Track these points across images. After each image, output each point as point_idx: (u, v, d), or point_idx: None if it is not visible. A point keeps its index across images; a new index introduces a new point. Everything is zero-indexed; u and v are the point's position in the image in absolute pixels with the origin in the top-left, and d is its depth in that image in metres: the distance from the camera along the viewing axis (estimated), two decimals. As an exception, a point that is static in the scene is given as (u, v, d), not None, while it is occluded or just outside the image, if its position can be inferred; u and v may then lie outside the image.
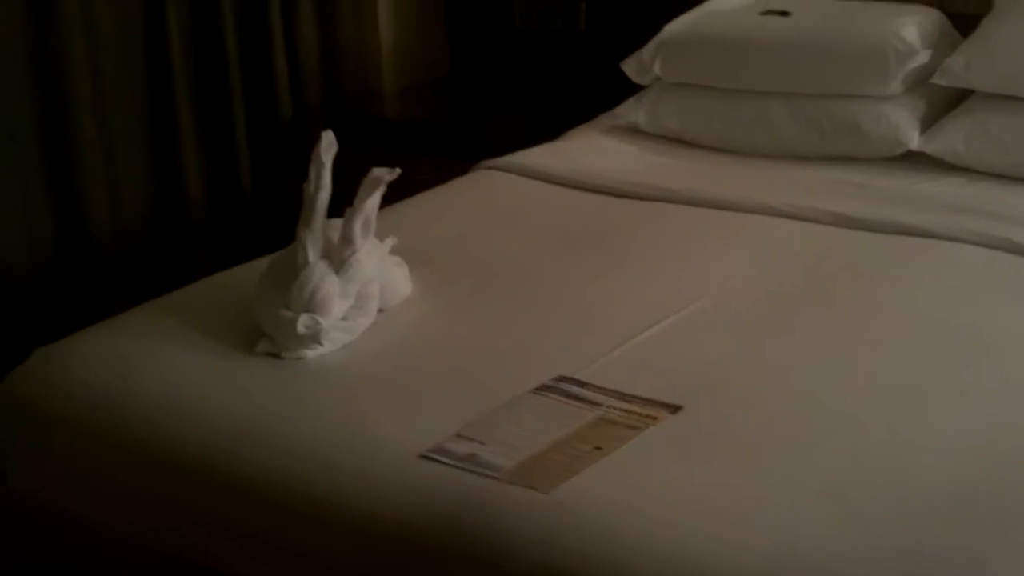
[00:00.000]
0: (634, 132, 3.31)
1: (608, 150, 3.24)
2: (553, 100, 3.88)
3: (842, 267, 2.52)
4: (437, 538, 1.83)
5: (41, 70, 3.22)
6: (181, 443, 2.07)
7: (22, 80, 3.19)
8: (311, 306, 2.19)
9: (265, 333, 2.24)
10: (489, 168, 3.15)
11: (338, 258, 2.25)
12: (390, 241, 2.39)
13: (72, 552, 2.26)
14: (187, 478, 2.05)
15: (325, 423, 2.03)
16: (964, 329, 2.23)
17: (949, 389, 2.05)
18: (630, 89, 3.40)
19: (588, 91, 3.79)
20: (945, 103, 3.09)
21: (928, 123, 3.04)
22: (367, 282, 2.27)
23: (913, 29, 3.10)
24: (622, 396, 2.03)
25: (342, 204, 2.31)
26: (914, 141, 3.00)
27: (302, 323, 2.17)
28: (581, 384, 2.07)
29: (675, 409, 1.99)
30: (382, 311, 2.32)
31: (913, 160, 3.01)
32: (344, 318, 2.24)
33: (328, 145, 2.29)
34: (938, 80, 3.04)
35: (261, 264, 2.47)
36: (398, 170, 2.28)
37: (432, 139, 3.67)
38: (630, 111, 3.33)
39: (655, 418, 1.96)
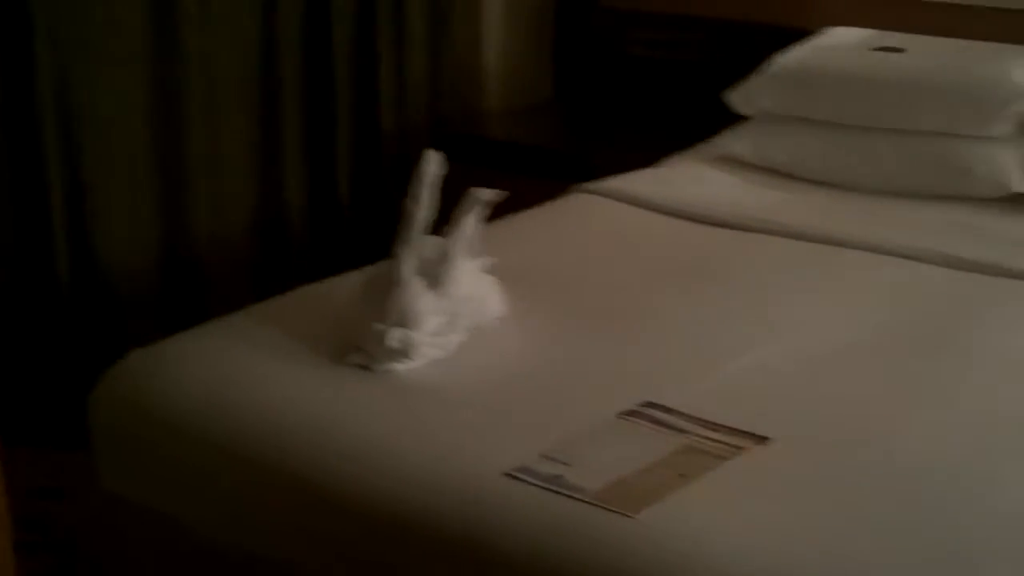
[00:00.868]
0: (735, 162, 3.29)
1: (708, 179, 3.22)
2: (659, 128, 3.87)
3: (947, 310, 2.48)
4: (521, 557, 1.82)
5: (157, 86, 3.30)
6: (270, 449, 2.09)
7: (141, 90, 3.27)
8: (404, 320, 2.21)
9: (357, 345, 2.26)
10: (586, 192, 3.15)
11: (433, 275, 2.27)
12: (486, 260, 2.41)
13: (164, 552, 2.28)
14: (274, 484, 2.07)
15: (411, 437, 2.04)
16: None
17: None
18: (731, 119, 3.38)
19: (693, 120, 3.78)
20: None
21: (1036, 166, 3.00)
22: (460, 300, 2.27)
23: (1025, 71, 3.06)
24: (709, 425, 2.01)
25: (440, 221, 2.33)
26: (1021, 183, 2.95)
27: (394, 337, 2.19)
28: (668, 411, 2.06)
29: (762, 440, 1.97)
30: (474, 330, 2.32)
31: (1020, 201, 2.96)
32: (436, 334, 2.25)
33: (432, 164, 2.31)
34: (1047, 123, 3.00)
35: (355, 277, 2.49)
36: (500, 192, 2.29)
37: (534, 161, 3.68)
38: (734, 141, 3.32)
39: (741, 448, 1.95)
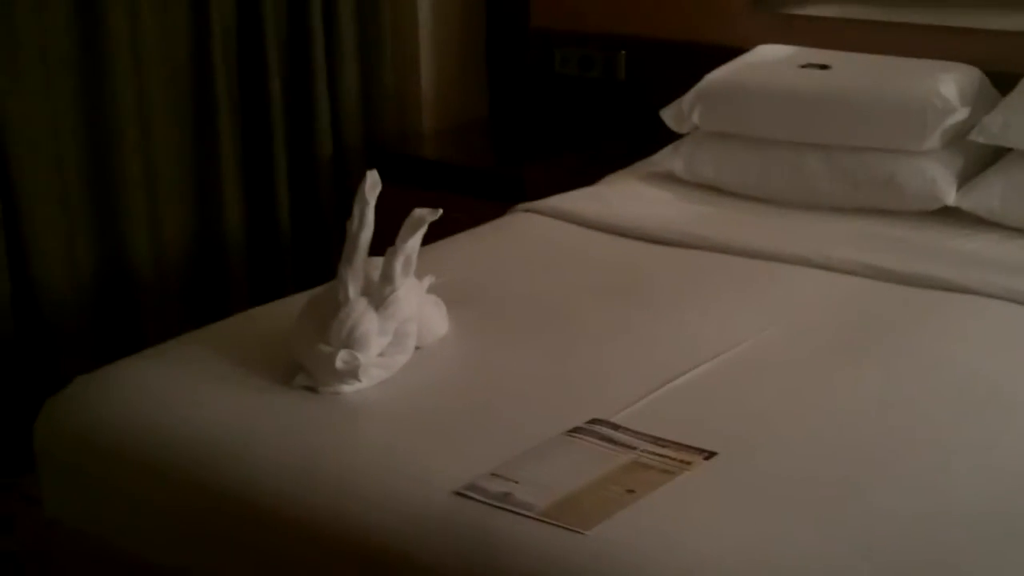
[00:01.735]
0: (671, 179, 3.33)
1: (645, 196, 3.25)
2: (591, 146, 3.90)
3: (876, 319, 2.53)
4: (470, 573, 1.83)
5: (88, 106, 3.29)
6: (216, 474, 2.09)
7: (70, 114, 3.26)
8: (350, 342, 2.21)
9: (302, 367, 2.26)
10: (526, 211, 3.17)
11: (378, 296, 2.27)
12: (428, 280, 2.42)
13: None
14: (220, 509, 2.07)
15: (360, 458, 2.05)
16: (994, 384, 2.24)
17: (978, 444, 2.05)
18: (668, 137, 3.42)
19: (626, 139, 3.82)
20: (982, 160, 3.10)
21: (965, 179, 3.05)
22: (405, 320, 2.28)
23: (952, 86, 3.11)
24: (656, 440, 2.04)
25: (381, 242, 2.34)
26: (951, 197, 3.01)
27: (340, 359, 2.19)
28: (615, 427, 2.08)
29: (709, 455, 1.99)
30: (419, 349, 2.33)
31: (948, 215, 3.02)
32: (381, 355, 2.25)
33: (372, 184, 2.31)
34: (975, 137, 3.05)
35: (298, 299, 2.50)
36: (440, 210, 2.30)
37: (470, 181, 3.70)
38: (667, 159, 3.36)
39: (689, 463, 1.97)
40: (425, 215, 2.30)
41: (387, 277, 2.29)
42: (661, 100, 3.43)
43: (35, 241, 3.18)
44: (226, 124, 3.57)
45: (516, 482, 1.94)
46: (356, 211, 2.31)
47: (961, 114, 3.09)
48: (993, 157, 3.10)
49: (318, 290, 2.42)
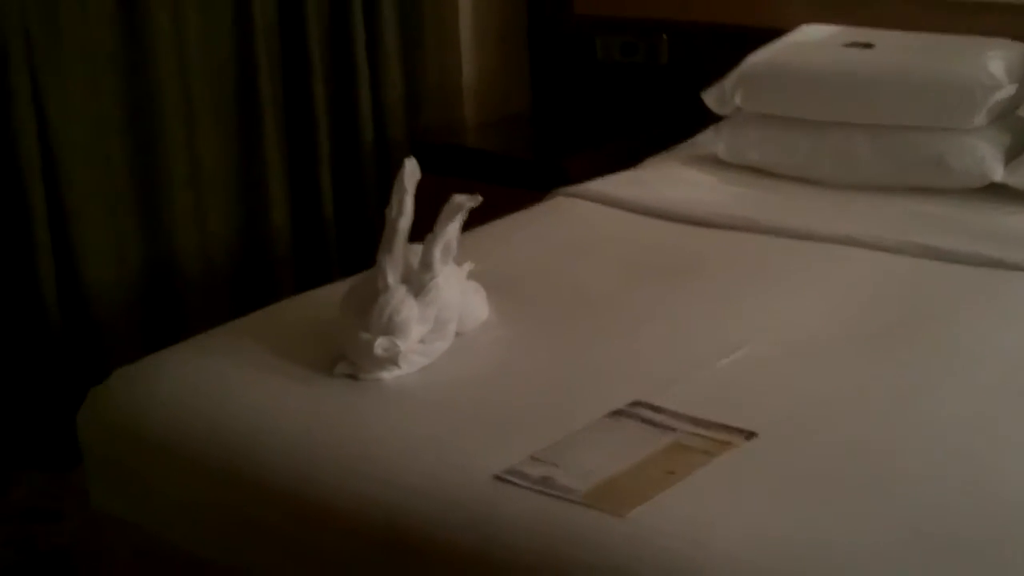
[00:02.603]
0: (712, 161, 3.31)
1: (686, 179, 3.24)
2: (635, 134, 3.88)
3: (926, 300, 2.50)
4: (511, 559, 1.82)
5: (133, 104, 3.31)
6: (257, 464, 2.08)
7: (115, 113, 3.28)
8: (390, 329, 2.21)
9: (344, 355, 2.26)
10: (566, 195, 3.16)
11: (417, 283, 2.27)
12: (468, 266, 2.41)
13: (152, 572, 2.28)
14: (263, 499, 2.06)
15: (400, 444, 2.05)
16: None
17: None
18: (712, 121, 3.40)
19: (670, 124, 3.80)
20: (1028, 136, 3.07)
21: (1012, 155, 3.02)
22: (445, 306, 2.28)
23: (999, 63, 3.08)
24: (697, 421, 2.02)
25: (422, 230, 2.34)
26: (998, 173, 2.98)
27: (380, 345, 2.19)
28: (656, 409, 2.07)
29: (750, 436, 1.98)
30: (459, 335, 2.33)
31: (996, 192, 2.99)
32: (422, 341, 2.25)
33: (411, 172, 2.32)
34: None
35: (339, 287, 2.49)
36: (479, 197, 2.30)
37: (512, 171, 3.69)
38: (709, 141, 3.34)
39: (729, 444, 1.96)
40: (464, 201, 2.29)
41: (426, 264, 2.28)
42: (704, 84, 3.41)
43: (82, 239, 3.22)
44: (270, 120, 3.59)
45: (556, 466, 1.93)
46: (395, 198, 2.31)
47: (1008, 90, 3.06)
48: (1040, 133, 3.07)
49: (358, 277, 2.42)
